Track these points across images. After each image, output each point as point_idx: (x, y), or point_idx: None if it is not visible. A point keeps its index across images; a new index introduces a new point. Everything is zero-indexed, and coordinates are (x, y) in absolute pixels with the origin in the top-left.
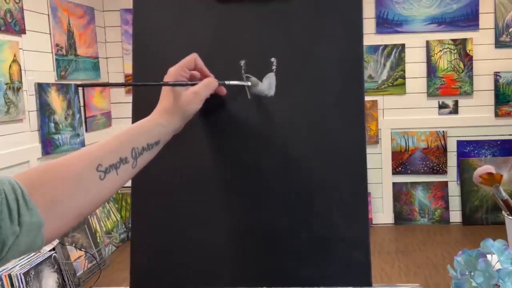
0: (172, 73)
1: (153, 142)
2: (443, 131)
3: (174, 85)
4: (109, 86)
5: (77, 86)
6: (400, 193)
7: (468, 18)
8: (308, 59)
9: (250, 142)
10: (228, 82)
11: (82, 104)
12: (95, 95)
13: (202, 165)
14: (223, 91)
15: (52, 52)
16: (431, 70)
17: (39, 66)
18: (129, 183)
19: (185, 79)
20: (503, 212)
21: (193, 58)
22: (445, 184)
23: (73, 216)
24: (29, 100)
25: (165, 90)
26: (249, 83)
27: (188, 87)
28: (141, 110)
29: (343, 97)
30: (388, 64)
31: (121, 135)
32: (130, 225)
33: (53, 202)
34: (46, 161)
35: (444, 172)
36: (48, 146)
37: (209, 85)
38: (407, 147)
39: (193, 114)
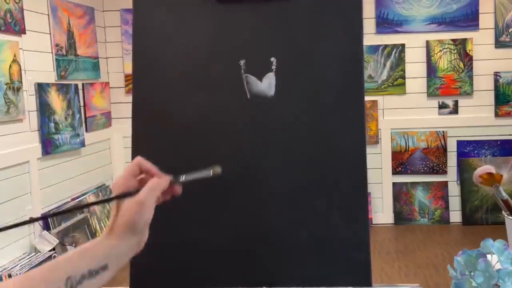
0: (118, 184)
1: (98, 267)
2: (443, 131)
3: (117, 197)
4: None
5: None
6: (400, 193)
7: (468, 18)
8: (308, 59)
9: (250, 142)
10: (183, 177)
11: (82, 104)
12: (95, 95)
13: (201, 165)
14: (178, 190)
15: (52, 52)
16: (431, 70)
17: (39, 66)
18: None
19: (134, 188)
20: (503, 212)
21: (137, 162)
22: (445, 184)
23: None
24: (29, 100)
25: (113, 207)
26: (210, 173)
27: (133, 198)
28: (141, 110)
29: (343, 97)
30: (388, 64)
31: (56, 262)
32: None
33: None
34: (46, 161)
35: (444, 172)
36: (48, 146)
37: (153, 187)
38: (407, 147)
39: (147, 223)
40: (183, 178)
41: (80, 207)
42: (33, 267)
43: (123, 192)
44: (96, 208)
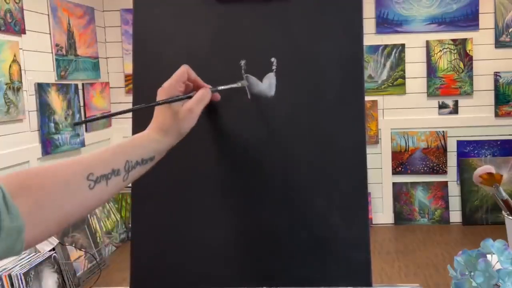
0: (166, 88)
1: (148, 157)
2: (443, 131)
3: (171, 101)
4: (111, 116)
5: (74, 124)
6: (400, 193)
7: (468, 18)
8: (308, 59)
9: (250, 142)
10: (220, 87)
11: (82, 104)
12: (95, 95)
13: (202, 165)
14: (217, 97)
15: (52, 52)
16: (431, 70)
17: (39, 66)
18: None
19: (180, 93)
20: (503, 212)
21: (185, 70)
22: (445, 184)
23: (57, 223)
24: (29, 100)
25: (159, 106)
26: (239, 84)
27: (184, 102)
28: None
29: (343, 97)
30: (388, 64)
31: (116, 147)
32: (130, 225)
33: (37, 206)
34: (46, 161)
35: (444, 172)
36: (48, 146)
37: (202, 99)
38: (407, 147)
39: (189, 130)
40: (219, 88)
41: (118, 113)
42: (33, 267)
43: (175, 95)
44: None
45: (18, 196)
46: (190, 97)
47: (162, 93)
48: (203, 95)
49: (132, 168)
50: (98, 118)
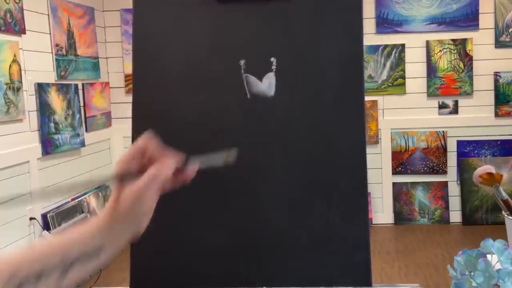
0: (121, 163)
1: (91, 252)
2: (443, 131)
3: (113, 180)
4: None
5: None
6: (400, 193)
7: (468, 18)
8: (308, 59)
9: (250, 142)
10: (194, 161)
11: (82, 104)
12: (95, 95)
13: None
14: (187, 176)
15: (52, 52)
16: (431, 70)
17: (39, 66)
18: None
19: (140, 168)
20: (503, 212)
21: (144, 141)
22: (445, 184)
23: None
24: (29, 100)
25: (113, 188)
26: (222, 158)
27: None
28: (141, 110)
29: (343, 97)
30: (388, 64)
31: (52, 241)
32: None
33: None
34: (46, 161)
35: (444, 172)
36: (48, 146)
37: (154, 176)
38: (407, 147)
39: (146, 214)
40: (194, 162)
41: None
42: None
43: (122, 173)
44: (96, 208)
45: None
46: (129, 179)
47: (118, 167)
48: (155, 172)
49: (69, 267)
50: None
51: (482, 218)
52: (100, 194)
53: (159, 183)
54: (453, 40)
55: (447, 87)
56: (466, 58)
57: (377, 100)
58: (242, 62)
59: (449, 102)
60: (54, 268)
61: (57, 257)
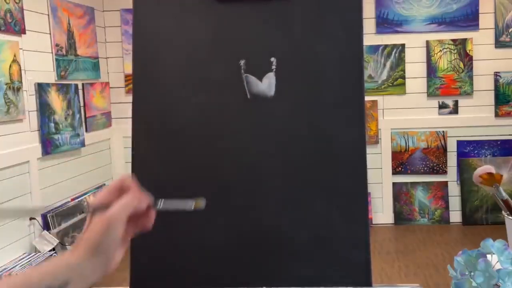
0: (97, 199)
1: (57, 285)
2: (443, 131)
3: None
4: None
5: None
6: (400, 193)
7: (468, 18)
8: (308, 59)
9: (250, 142)
10: (161, 203)
11: (82, 104)
12: (95, 95)
13: (202, 165)
14: (150, 219)
15: (52, 52)
16: (431, 70)
17: (39, 66)
18: None
19: (112, 202)
20: (503, 212)
21: (121, 178)
22: (445, 184)
23: None
24: (29, 100)
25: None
26: (192, 206)
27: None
28: (141, 110)
29: (343, 97)
30: (388, 64)
31: (20, 276)
32: None
33: None
34: (46, 161)
35: (444, 172)
36: (48, 146)
37: (124, 204)
38: (407, 147)
39: (115, 243)
40: (161, 204)
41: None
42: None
43: (95, 206)
44: None
45: None
46: (100, 209)
47: (93, 203)
48: (125, 200)
49: None
50: None
51: (482, 218)
52: None
53: (128, 211)
54: (453, 40)
55: (447, 87)
56: (466, 58)
57: (377, 100)
58: (242, 62)
59: (449, 102)
60: None
61: None
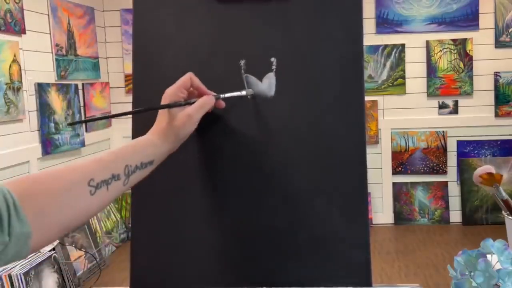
0: (169, 94)
1: (147, 161)
2: (443, 131)
3: (170, 106)
4: (111, 117)
5: (69, 124)
6: (400, 193)
7: (468, 18)
8: (308, 59)
9: (250, 142)
10: (224, 95)
11: (82, 104)
12: (95, 95)
13: (201, 165)
14: (222, 104)
15: (52, 52)
16: (431, 70)
17: (39, 66)
18: None
19: (182, 99)
20: (503, 212)
21: (189, 77)
22: (445, 184)
23: (59, 229)
24: (29, 100)
25: (161, 111)
26: (244, 93)
27: (184, 108)
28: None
29: (343, 97)
30: (388, 64)
31: (117, 152)
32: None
33: (42, 214)
34: (46, 162)
35: (444, 172)
36: (48, 146)
37: (203, 105)
38: (407, 147)
39: (188, 135)
40: (224, 95)
41: (117, 115)
42: (33, 267)
43: (175, 101)
44: None
45: (25, 203)
46: (190, 104)
47: (165, 99)
48: (205, 102)
49: (132, 173)
50: (97, 119)
51: (482, 218)
52: None
53: (205, 111)
54: (453, 40)
55: (447, 87)
56: (466, 58)
57: (377, 100)
58: (242, 62)
59: (449, 102)
60: (120, 174)
61: (122, 166)
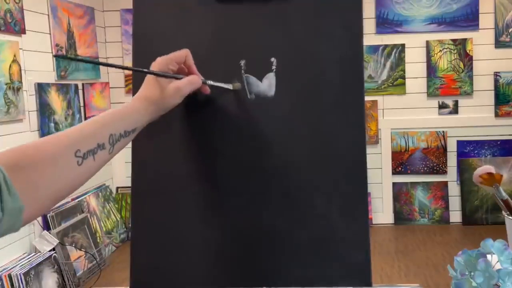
0: (160, 63)
1: (130, 129)
2: (443, 131)
3: (159, 75)
4: (99, 64)
5: (55, 56)
6: (400, 193)
7: (468, 18)
8: (308, 59)
9: (250, 142)
10: (211, 82)
11: (82, 104)
12: (95, 95)
13: (202, 165)
14: (207, 90)
15: (52, 52)
16: (431, 70)
17: (39, 66)
18: (129, 183)
19: (172, 72)
20: (503, 212)
21: (185, 53)
22: (445, 184)
23: (50, 200)
24: (29, 100)
25: (148, 78)
26: (231, 87)
27: (172, 80)
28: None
29: (343, 97)
30: (388, 64)
31: (99, 120)
32: (130, 225)
33: (32, 187)
34: None
35: (444, 172)
36: None
37: (193, 82)
38: (407, 147)
39: (172, 107)
40: (210, 82)
41: (105, 64)
42: (33, 267)
43: (164, 72)
44: (96, 208)
45: (15, 176)
46: (177, 78)
47: (154, 66)
48: (194, 79)
49: (116, 141)
50: (83, 61)
51: (482, 218)
52: (100, 194)
53: (193, 89)
54: (453, 40)
55: (447, 87)
56: (466, 58)
57: (377, 100)
58: (242, 62)
59: (449, 102)
60: (104, 143)
61: (107, 135)
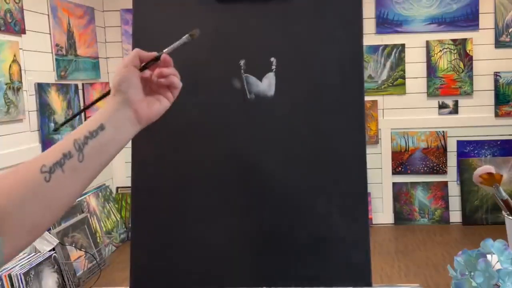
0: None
1: (95, 127)
2: (443, 131)
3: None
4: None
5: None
6: (400, 193)
7: (468, 18)
8: (308, 59)
9: (250, 142)
10: (166, 50)
11: (82, 104)
12: (95, 95)
13: (202, 165)
14: (168, 61)
15: (52, 52)
16: (431, 70)
17: (39, 66)
18: (129, 183)
19: (141, 78)
20: (503, 212)
21: (136, 53)
22: (445, 184)
23: (27, 229)
24: (29, 100)
25: (122, 71)
26: (184, 39)
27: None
28: None
29: (343, 97)
30: (388, 64)
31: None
32: (130, 225)
33: (3, 218)
34: None
35: (444, 172)
36: (48, 146)
37: (135, 52)
38: (407, 147)
39: (132, 84)
40: (166, 50)
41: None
42: (33, 267)
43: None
44: (96, 208)
45: None
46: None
47: (115, 79)
48: (136, 51)
49: (83, 145)
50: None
51: (482, 218)
52: (100, 194)
53: (135, 57)
54: (453, 40)
55: (447, 87)
56: (466, 58)
57: (377, 100)
58: (242, 62)
59: (449, 102)
60: (70, 151)
61: (70, 142)
